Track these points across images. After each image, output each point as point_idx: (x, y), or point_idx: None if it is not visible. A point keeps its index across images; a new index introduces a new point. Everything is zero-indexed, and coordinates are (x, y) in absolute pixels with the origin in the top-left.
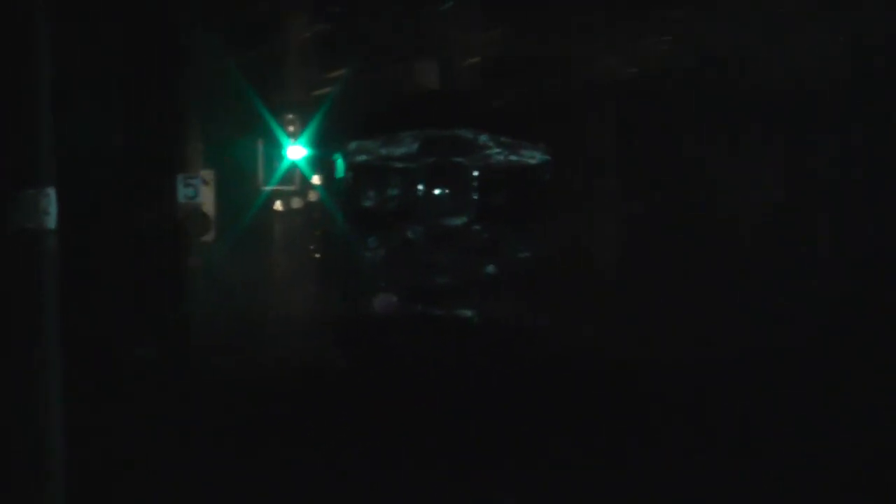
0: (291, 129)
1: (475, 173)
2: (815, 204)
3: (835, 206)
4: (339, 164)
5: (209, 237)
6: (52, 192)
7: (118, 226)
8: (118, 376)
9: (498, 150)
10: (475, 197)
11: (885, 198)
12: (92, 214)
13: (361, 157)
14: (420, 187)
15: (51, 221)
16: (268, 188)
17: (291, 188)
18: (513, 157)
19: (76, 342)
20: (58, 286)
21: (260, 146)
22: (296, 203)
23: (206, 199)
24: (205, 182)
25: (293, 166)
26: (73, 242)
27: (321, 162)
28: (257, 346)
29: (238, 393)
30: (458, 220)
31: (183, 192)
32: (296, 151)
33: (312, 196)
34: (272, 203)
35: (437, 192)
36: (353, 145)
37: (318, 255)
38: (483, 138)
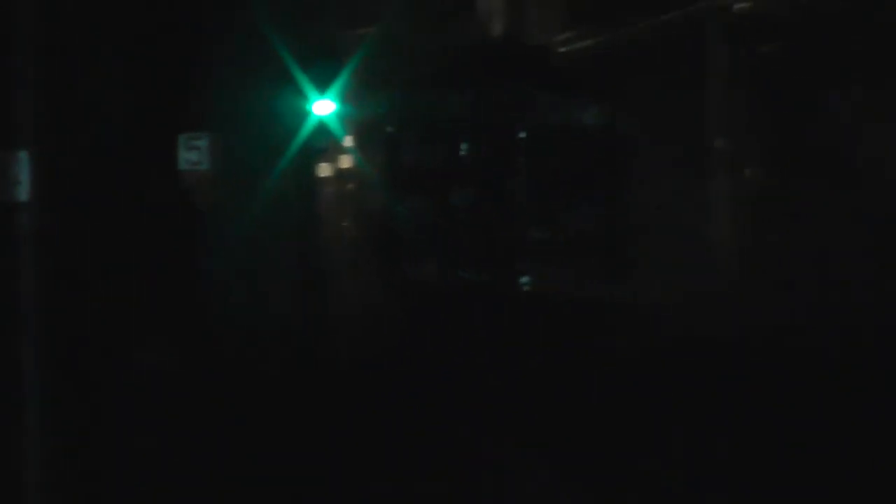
0: (319, 78)
1: (529, 134)
2: None
3: None
4: (380, 120)
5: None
6: (24, 157)
7: (117, 199)
8: (115, 392)
9: (556, 109)
10: (529, 160)
11: None
12: (82, 185)
13: (405, 114)
14: (469, 148)
15: (22, 192)
16: (290, 151)
17: (321, 152)
18: (573, 118)
19: (59, 346)
20: (36, 275)
21: (282, 99)
22: (324, 169)
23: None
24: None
25: (321, 124)
26: (58, 220)
27: (357, 119)
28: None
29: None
30: (509, 186)
31: (185, 158)
32: (324, 106)
33: (345, 161)
34: (296, 170)
35: (487, 153)
36: (396, 99)
37: (354, 233)
38: (541, 95)
